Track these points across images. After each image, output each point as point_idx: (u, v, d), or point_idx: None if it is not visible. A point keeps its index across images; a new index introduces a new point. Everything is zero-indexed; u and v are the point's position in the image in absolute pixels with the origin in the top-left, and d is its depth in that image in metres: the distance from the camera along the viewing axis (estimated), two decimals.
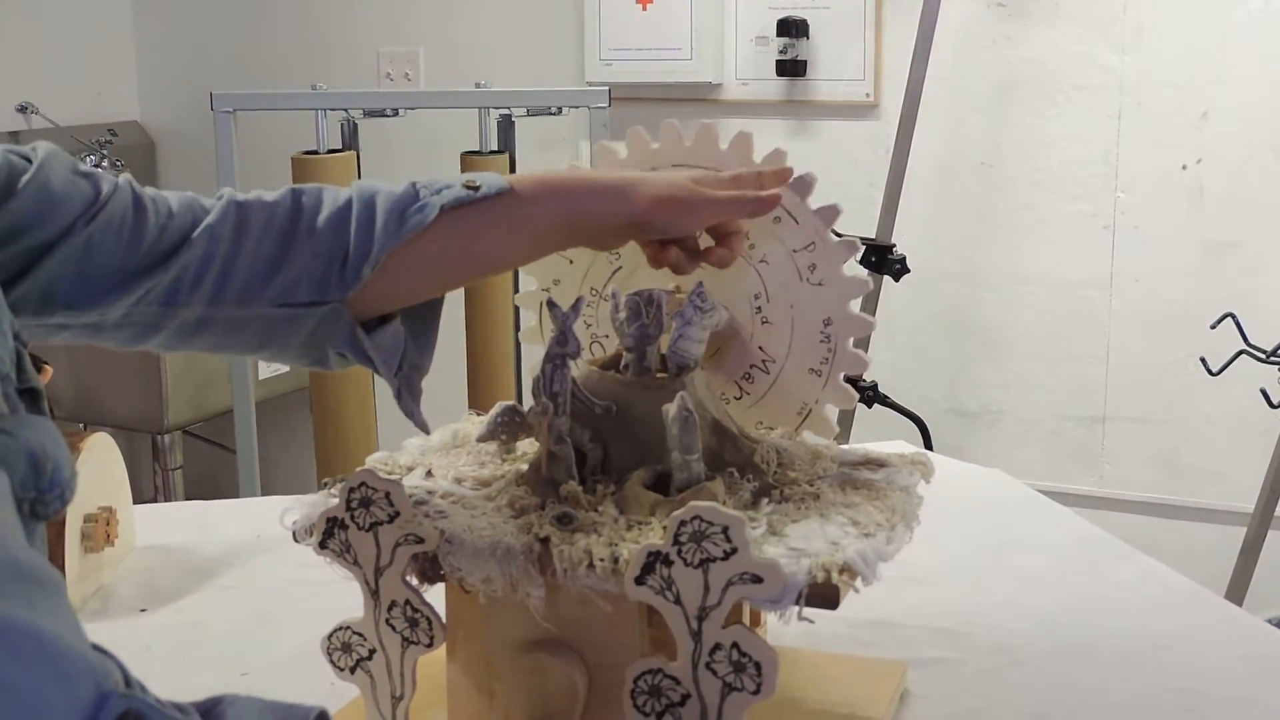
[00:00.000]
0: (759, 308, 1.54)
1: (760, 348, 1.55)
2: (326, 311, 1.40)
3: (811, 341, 1.52)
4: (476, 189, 1.42)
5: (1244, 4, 3.56)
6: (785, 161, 1.51)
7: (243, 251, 1.37)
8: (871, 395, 3.57)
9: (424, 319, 1.49)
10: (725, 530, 1.17)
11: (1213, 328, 3.14)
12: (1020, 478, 2.32)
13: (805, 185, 1.51)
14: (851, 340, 1.52)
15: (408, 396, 1.47)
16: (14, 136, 4.29)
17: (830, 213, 1.50)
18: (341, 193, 1.42)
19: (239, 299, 1.38)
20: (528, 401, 1.43)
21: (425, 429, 1.47)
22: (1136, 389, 3.79)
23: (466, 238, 1.42)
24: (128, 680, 0.80)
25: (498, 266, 1.53)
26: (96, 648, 0.80)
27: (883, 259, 3.52)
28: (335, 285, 1.39)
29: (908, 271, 3.55)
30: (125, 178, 1.35)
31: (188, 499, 4.15)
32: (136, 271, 1.33)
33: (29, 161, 1.28)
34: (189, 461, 4.37)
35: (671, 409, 1.31)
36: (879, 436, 2.52)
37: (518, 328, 3.63)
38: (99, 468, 1.91)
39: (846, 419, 3.56)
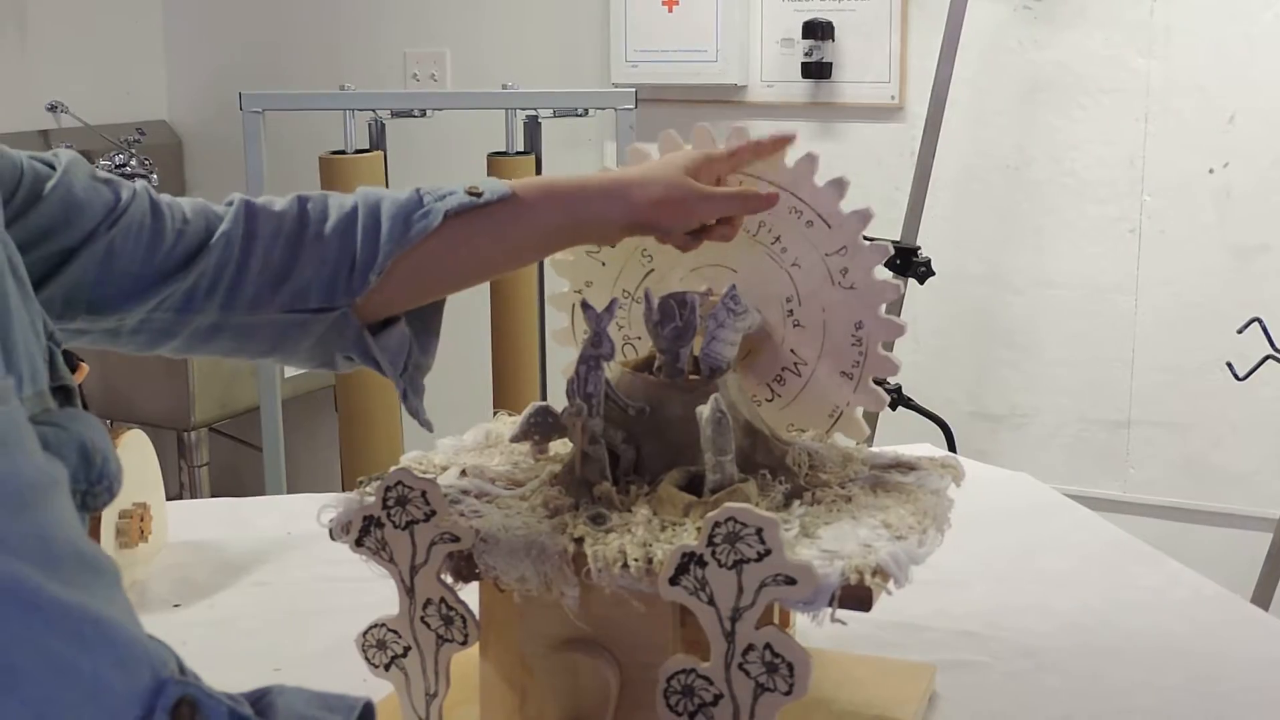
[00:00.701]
0: (791, 310, 1.55)
1: (792, 350, 1.56)
2: (335, 316, 1.42)
3: (843, 344, 1.53)
4: (480, 195, 1.45)
5: (1271, 7, 3.55)
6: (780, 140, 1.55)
7: (253, 259, 1.40)
8: (896, 398, 3.56)
9: (427, 320, 1.53)
10: (759, 532, 1.17)
11: (1239, 332, 3.14)
12: (1044, 482, 2.32)
13: (838, 188, 1.52)
14: (881, 343, 1.53)
15: (413, 396, 1.51)
16: (44, 135, 4.31)
17: (862, 216, 1.51)
18: (347, 199, 1.45)
19: (250, 305, 1.40)
20: (554, 401, 1.44)
21: (429, 427, 1.50)
22: (1162, 393, 3.78)
23: (470, 243, 1.45)
24: (182, 668, 0.81)
25: (500, 270, 1.56)
26: (150, 637, 0.81)
27: (907, 262, 3.52)
28: (343, 290, 1.42)
29: (932, 274, 3.55)
30: (142, 184, 1.38)
31: (213, 496, 4.16)
32: (156, 277, 1.35)
33: (52, 168, 1.30)
34: (215, 459, 4.38)
35: (705, 410, 1.32)
36: (903, 439, 2.52)
37: (543, 329, 3.64)
38: (133, 464, 1.92)
39: (870, 422, 3.56)
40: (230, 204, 1.42)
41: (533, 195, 1.46)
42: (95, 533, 1.79)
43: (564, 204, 1.46)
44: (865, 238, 1.52)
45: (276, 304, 1.41)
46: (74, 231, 1.29)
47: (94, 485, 0.98)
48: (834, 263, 1.52)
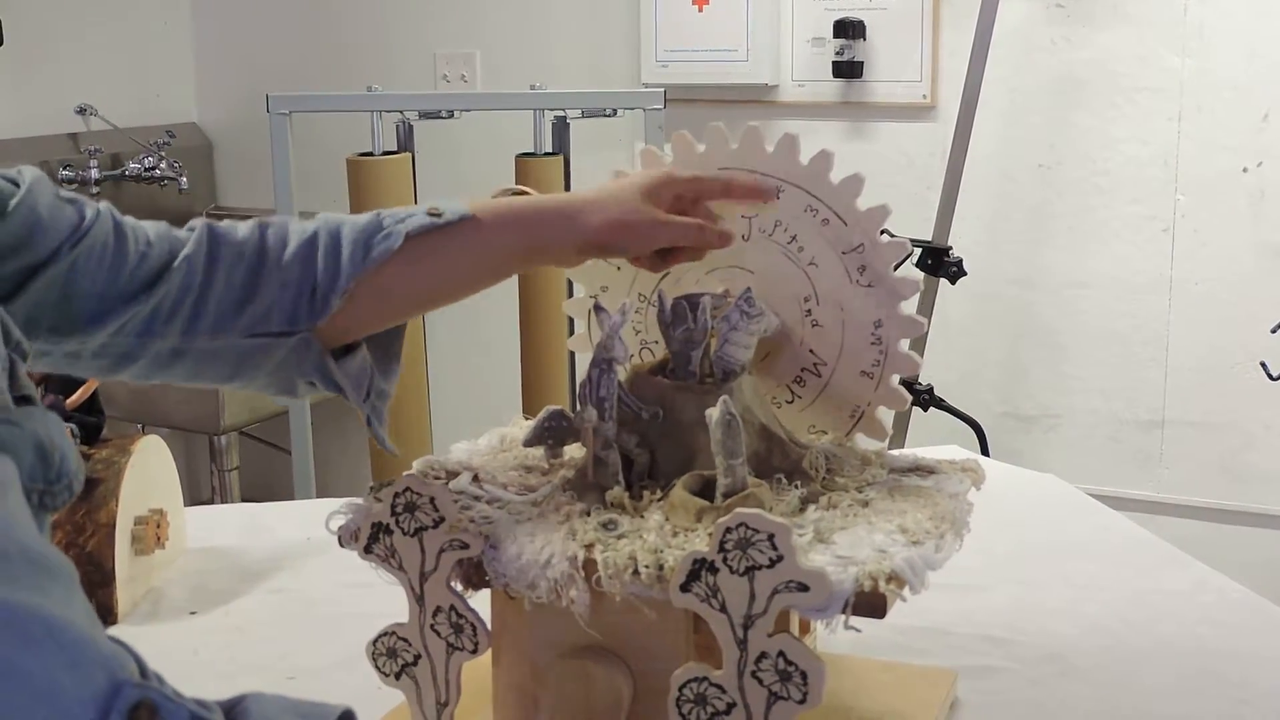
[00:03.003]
0: (809, 310, 1.53)
1: (811, 351, 1.54)
2: (297, 341, 1.41)
3: (862, 344, 1.51)
4: (440, 215, 1.44)
5: None
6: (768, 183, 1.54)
7: (215, 284, 1.39)
8: (928, 399, 3.55)
9: (387, 346, 1.52)
10: (771, 538, 1.16)
11: (1273, 331, 3.12)
12: (1077, 482, 2.30)
13: (855, 184, 1.50)
14: (904, 341, 1.51)
15: (376, 422, 1.50)
16: (73, 138, 4.31)
17: (879, 213, 1.49)
18: (309, 225, 1.45)
19: (212, 330, 1.39)
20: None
21: (393, 453, 1.50)
22: (1195, 393, 3.75)
23: (430, 264, 1.45)
24: (144, 671, 0.80)
25: (461, 292, 1.53)
26: (112, 639, 0.80)
27: (939, 261, 3.50)
28: (305, 314, 1.41)
29: (964, 274, 3.53)
30: (105, 205, 1.36)
31: (244, 500, 4.16)
32: (118, 299, 1.34)
33: (16, 185, 1.28)
34: (245, 463, 4.38)
35: (715, 413, 1.30)
36: (935, 440, 2.51)
37: (571, 334, 3.62)
38: (150, 470, 1.91)
39: (902, 422, 3.54)
40: (193, 229, 1.41)
41: (490, 217, 1.46)
42: (109, 539, 1.79)
43: (520, 226, 1.47)
44: (889, 233, 1.50)
45: (239, 328, 1.39)
46: (37, 250, 1.27)
47: (53, 484, 0.96)
48: (851, 260, 1.50)
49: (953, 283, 3.53)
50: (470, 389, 4.38)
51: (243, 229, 1.42)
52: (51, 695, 0.73)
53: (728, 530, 1.17)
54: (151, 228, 1.39)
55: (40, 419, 0.97)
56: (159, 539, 1.88)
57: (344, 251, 1.41)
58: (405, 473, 1.36)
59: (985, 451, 3.49)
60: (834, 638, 1.32)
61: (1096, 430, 3.88)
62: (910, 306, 1.52)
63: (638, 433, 1.40)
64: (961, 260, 3.52)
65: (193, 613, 1.84)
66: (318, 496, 3.58)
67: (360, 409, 1.48)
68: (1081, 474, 3.39)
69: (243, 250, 1.40)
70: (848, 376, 1.53)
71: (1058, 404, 3.91)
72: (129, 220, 1.37)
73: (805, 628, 1.52)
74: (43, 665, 0.73)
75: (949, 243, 3.55)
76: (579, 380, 3.58)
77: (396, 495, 1.31)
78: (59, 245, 1.29)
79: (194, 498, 2.41)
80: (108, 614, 1.79)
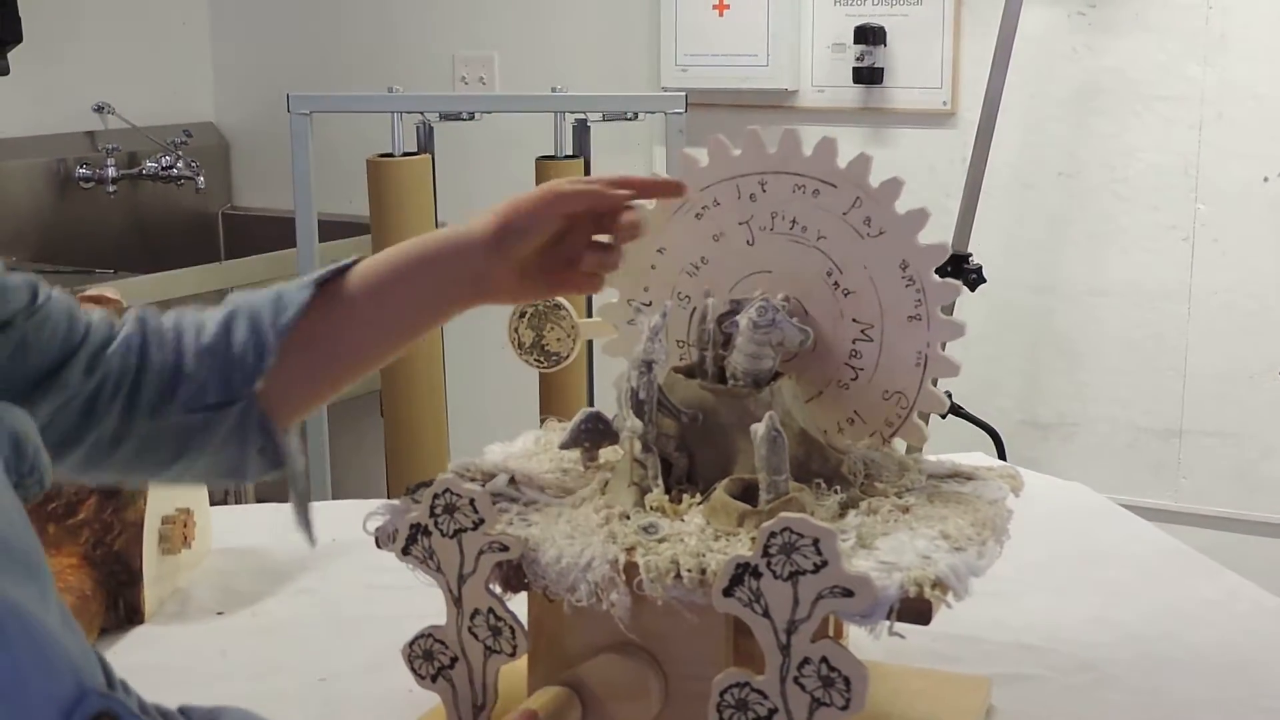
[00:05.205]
0: (836, 282, 1.52)
1: (854, 319, 1.52)
2: (238, 409, 1.37)
3: (898, 290, 1.50)
4: (352, 262, 1.42)
5: None
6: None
7: (150, 365, 1.36)
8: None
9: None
10: (816, 543, 1.15)
11: None
12: (1095, 491, 2.29)
13: (828, 148, 1.50)
14: (934, 270, 1.51)
15: (304, 509, 1.46)
16: (90, 136, 4.31)
17: (862, 163, 1.49)
18: (222, 306, 1.42)
19: (151, 410, 1.36)
20: (601, 407, 1.42)
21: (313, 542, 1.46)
22: (1214, 402, 3.74)
23: (354, 312, 1.42)
24: (110, 681, 0.79)
25: (390, 336, 1.49)
26: (82, 645, 0.80)
27: (959, 268, 3.49)
28: (240, 380, 1.38)
29: (984, 281, 3.52)
30: (57, 290, 1.34)
31: (258, 501, 4.15)
32: (61, 374, 1.31)
33: None
34: None
35: (760, 429, 1.29)
36: (953, 448, 2.48)
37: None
38: None
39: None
40: (126, 321, 1.39)
41: (394, 249, 1.44)
42: (136, 539, 1.78)
43: (419, 243, 1.44)
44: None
45: (177, 405, 1.37)
46: None
47: (25, 478, 0.96)
48: (854, 217, 1.49)
49: (972, 289, 3.52)
50: (487, 391, 4.36)
51: (168, 316, 1.41)
52: (17, 694, 0.73)
53: (772, 534, 1.16)
54: (97, 311, 1.38)
55: (13, 413, 0.97)
56: (186, 538, 1.88)
57: (263, 315, 1.39)
58: (442, 474, 1.35)
59: (1003, 459, 3.48)
60: (866, 645, 1.32)
61: (1114, 439, 3.87)
62: (927, 236, 1.52)
63: (677, 435, 1.39)
64: (981, 267, 3.51)
65: (220, 613, 1.83)
66: (332, 498, 3.57)
67: (297, 484, 1.44)
68: (1099, 483, 3.36)
69: (169, 333, 1.39)
70: (897, 328, 1.51)
71: (1076, 412, 3.90)
72: (75, 302, 1.36)
73: (839, 633, 1.51)
74: (12, 662, 0.73)
75: (969, 250, 3.54)
76: (596, 382, 3.55)
77: (436, 497, 1.30)
78: (14, 315, 1.27)
79: (209, 498, 2.40)
80: (135, 614, 1.79)
